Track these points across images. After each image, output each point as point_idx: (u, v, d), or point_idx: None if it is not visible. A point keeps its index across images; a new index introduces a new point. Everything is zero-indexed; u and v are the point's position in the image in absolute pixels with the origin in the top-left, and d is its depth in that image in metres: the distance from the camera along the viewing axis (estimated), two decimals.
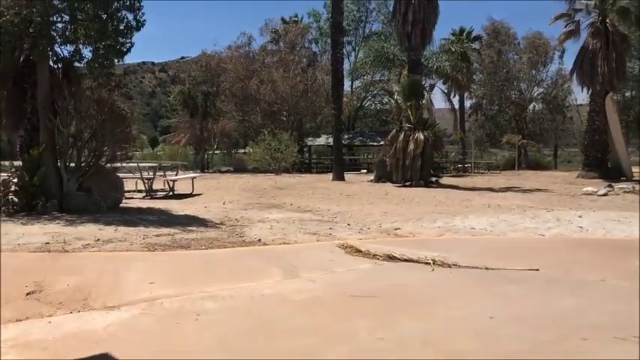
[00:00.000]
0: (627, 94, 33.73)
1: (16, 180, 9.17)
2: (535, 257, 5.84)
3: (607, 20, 22.86)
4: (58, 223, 8.12)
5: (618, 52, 22.76)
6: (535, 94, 39.02)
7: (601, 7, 22.84)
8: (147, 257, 5.93)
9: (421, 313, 3.90)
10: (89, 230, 7.57)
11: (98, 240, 6.85)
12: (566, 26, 24.33)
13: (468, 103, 41.84)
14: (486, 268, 5.19)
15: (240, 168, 31.51)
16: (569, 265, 5.58)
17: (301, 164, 31.58)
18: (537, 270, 5.15)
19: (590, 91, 23.99)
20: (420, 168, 18.23)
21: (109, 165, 10.46)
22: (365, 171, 29.46)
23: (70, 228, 7.74)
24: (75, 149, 9.66)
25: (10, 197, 9.20)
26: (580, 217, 9.55)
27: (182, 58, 59.44)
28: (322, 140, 34.17)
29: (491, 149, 43.80)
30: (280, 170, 27.31)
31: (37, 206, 8.95)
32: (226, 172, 31.70)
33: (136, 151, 41.67)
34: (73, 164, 9.70)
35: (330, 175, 22.99)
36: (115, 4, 9.28)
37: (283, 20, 39.32)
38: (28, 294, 4.24)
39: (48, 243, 6.56)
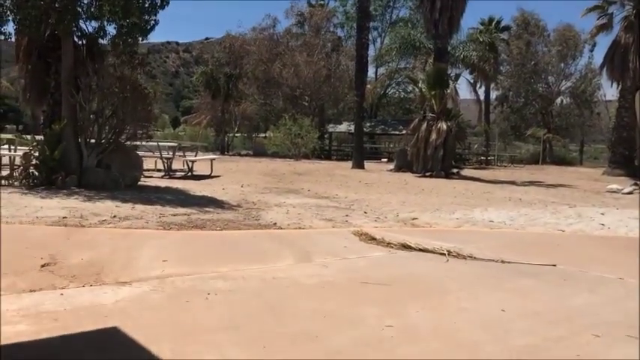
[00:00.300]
0: None
1: (37, 154, 9.28)
2: (553, 253, 5.73)
3: None
4: (77, 199, 8.21)
5: None
6: (563, 88, 38.31)
7: (636, 0, 22.23)
8: (161, 235, 5.95)
9: (432, 303, 3.84)
10: (106, 206, 7.63)
11: (115, 216, 6.90)
12: (598, 19, 23.76)
13: (493, 95, 41.30)
14: (502, 262, 5.10)
15: (259, 152, 31.58)
16: (587, 262, 5.46)
17: (321, 150, 31.51)
18: (554, 265, 5.04)
19: (620, 86, 23.47)
20: (442, 158, 18.05)
21: (129, 143, 10.53)
22: (385, 160, 29.29)
23: (88, 203, 7.81)
24: (96, 125, 9.73)
25: (30, 170, 9.32)
26: (602, 214, 9.36)
27: (206, 39, 59.58)
28: (343, 127, 34.01)
29: (515, 142, 43.19)
30: (300, 156, 27.29)
31: (57, 180, 9.05)
32: (246, 155, 31.82)
33: (157, 130, 42.09)
34: (93, 140, 9.78)
35: (349, 163, 22.90)
36: None
37: (309, 3, 39.06)
38: (42, 266, 4.27)
39: (65, 217, 6.62)
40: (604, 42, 24.35)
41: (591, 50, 35.64)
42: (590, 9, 23.87)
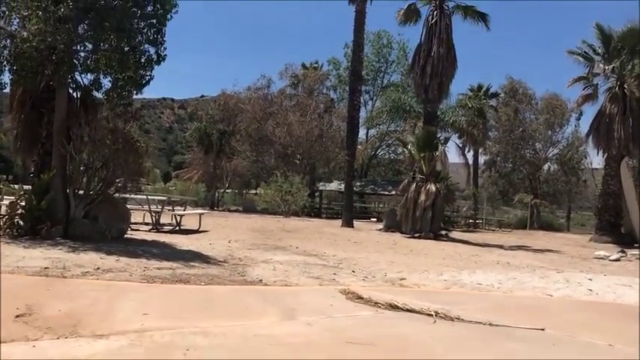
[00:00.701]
0: None
1: (23, 203, 9.19)
2: (541, 317, 5.65)
3: (625, 86, 22.95)
4: (61, 249, 8.08)
5: (635, 118, 22.71)
6: (550, 155, 38.92)
7: (619, 72, 22.97)
8: (144, 289, 5.83)
9: None
10: (90, 258, 7.51)
11: (98, 268, 6.77)
12: (584, 89, 24.45)
13: (482, 159, 41.82)
14: (490, 324, 5.02)
15: (249, 208, 31.51)
16: (575, 327, 5.39)
17: (311, 208, 31.49)
18: (543, 330, 4.96)
19: (606, 155, 23.87)
20: (431, 220, 18.07)
21: (117, 195, 10.48)
22: (375, 219, 29.28)
23: (72, 254, 7.68)
24: (85, 176, 9.70)
25: (16, 220, 9.20)
26: (590, 280, 9.30)
27: (202, 96, 60.56)
28: (334, 186, 34.18)
29: (503, 207, 43.41)
30: (289, 213, 27.23)
31: (42, 231, 8.93)
32: (235, 211, 31.72)
33: (148, 184, 42.00)
34: (82, 191, 9.72)
35: (339, 221, 22.84)
36: (139, 37, 9.48)
37: (304, 66, 40.06)
38: (17, 316, 4.15)
39: (47, 268, 6.49)
40: (590, 111, 25.19)
41: (578, 119, 36.49)
42: (576, 80, 24.60)
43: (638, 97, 23.37)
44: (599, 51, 23.55)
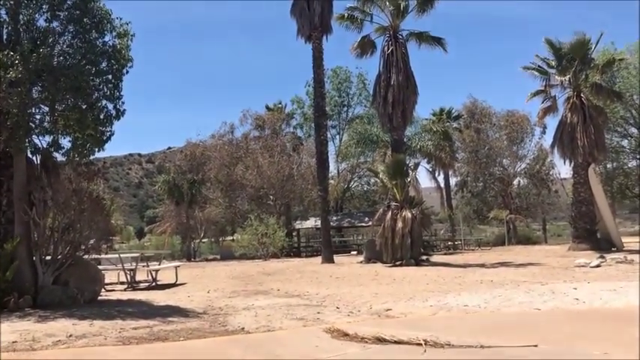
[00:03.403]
0: (609, 165, 34.24)
1: None
2: (532, 332, 5.54)
3: (582, 95, 23.56)
4: (29, 320, 7.68)
5: (596, 125, 23.26)
6: (518, 169, 39.50)
7: (575, 83, 23.59)
8: (118, 351, 5.54)
9: None
10: (62, 326, 7.15)
11: (70, 336, 6.44)
12: (543, 102, 24.98)
13: (453, 181, 42.21)
14: (481, 347, 4.87)
15: (227, 255, 30.99)
16: (568, 339, 5.28)
17: (290, 248, 31.14)
18: (536, 346, 4.84)
19: (573, 163, 24.27)
20: (410, 246, 17.96)
21: (88, 256, 10.12)
22: (355, 252, 29.06)
23: (42, 325, 7.31)
24: (52, 241, 9.36)
25: None
26: (575, 288, 9.28)
27: (169, 148, 60.27)
28: (310, 223, 33.94)
29: (479, 225, 43.68)
30: (268, 255, 26.85)
31: (9, 303, 8.50)
32: (213, 260, 31.16)
33: (123, 242, 41.18)
34: (49, 257, 9.36)
35: (319, 259, 22.57)
36: (95, 94, 9.31)
37: (267, 107, 40.26)
38: None
39: (15, 342, 6.13)
40: (552, 122, 25.72)
41: (543, 132, 37.09)
42: (534, 94, 25.12)
43: (596, 104, 24.03)
44: (553, 64, 24.17)
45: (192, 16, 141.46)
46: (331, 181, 31.48)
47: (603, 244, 22.64)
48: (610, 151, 30.23)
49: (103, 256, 11.86)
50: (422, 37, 21.19)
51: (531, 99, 25.46)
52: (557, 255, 20.89)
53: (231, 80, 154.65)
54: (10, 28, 9.13)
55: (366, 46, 21.79)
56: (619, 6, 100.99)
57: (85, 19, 9.11)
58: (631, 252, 18.93)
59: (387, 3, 20.78)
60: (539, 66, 24.56)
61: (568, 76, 23.51)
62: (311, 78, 25.02)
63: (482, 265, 16.89)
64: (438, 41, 21.23)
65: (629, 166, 34.53)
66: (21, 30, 9.05)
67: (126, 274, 13.22)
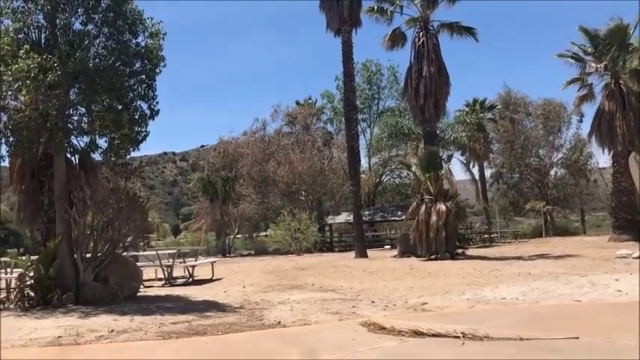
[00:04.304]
0: None
1: (32, 274, 9.06)
2: (573, 325, 5.43)
3: (621, 82, 22.90)
4: (73, 316, 7.91)
5: (636, 112, 22.57)
6: (555, 160, 38.68)
7: (612, 69, 22.94)
8: (159, 345, 5.65)
9: None
10: (103, 321, 7.34)
11: (112, 331, 6.60)
12: (579, 90, 24.37)
13: (488, 173, 41.57)
14: (521, 339, 4.80)
15: (261, 251, 31.26)
16: (610, 332, 5.15)
17: (323, 243, 31.20)
18: (577, 338, 4.74)
19: (612, 152, 23.65)
20: (445, 240, 17.77)
21: (126, 253, 10.35)
22: (389, 247, 28.94)
23: (85, 320, 7.51)
24: (92, 239, 9.59)
25: (26, 292, 9.06)
26: (617, 280, 9.05)
27: (202, 146, 60.99)
28: (342, 218, 33.92)
29: (516, 217, 42.92)
30: (301, 250, 26.96)
31: (53, 299, 8.77)
32: (247, 255, 31.49)
33: (159, 239, 41.97)
34: (90, 254, 9.60)
35: (352, 253, 22.55)
36: (130, 94, 9.49)
37: (297, 103, 40.32)
38: None
39: (60, 337, 6.33)
40: (590, 110, 24.95)
41: (580, 121, 36.18)
42: (570, 81, 24.52)
43: (635, 91, 23.30)
44: (589, 50, 23.56)
45: (222, 14, 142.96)
46: (363, 175, 31.31)
47: None
48: None
49: (140, 253, 12.13)
50: (453, 28, 20.93)
51: (567, 87, 24.90)
52: (597, 246, 20.40)
53: (262, 77, 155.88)
54: (47, 32, 9.36)
55: (396, 39, 21.65)
56: None
57: (118, 22, 9.28)
58: None
59: None
60: (574, 53, 23.96)
61: (605, 63, 22.87)
62: (341, 72, 24.98)
63: (520, 258, 16.60)
64: (469, 31, 20.94)
65: None
66: (58, 34, 9.27)
67: (163, 270, 13.47)
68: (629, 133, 22.17)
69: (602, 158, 35.24)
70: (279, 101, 42.74)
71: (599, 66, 23.14)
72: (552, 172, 39.15)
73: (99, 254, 9.62)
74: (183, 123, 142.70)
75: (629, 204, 23.12)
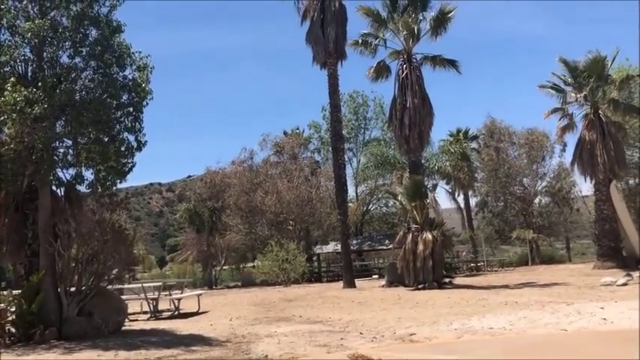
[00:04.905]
0: (631, 181, 33.62)
1: (13, 309, 8.90)
2: (560, 354, 5.45)
3: (600, 112, 23.38)
4: (55, 352, 7.78)
5: (615, 141, 23.01)
6: (539, 188, 39.06)
7: (592, 99, 23.44)
8: None
9: None
10: (87, 357, 7.23)
11: None
12: (560, 119, 24.81)
13: (473, 201, 41.86)
14: None
15: (248, 282, 31.00)
16: None
17: (311, 273, 30.99)
18: None
19: (594, 180, 23.98)
20: (432, 269, 17.78)
21: (111, 287, 10.22)
22: (376, 276, 28.86)
23: (67, 356, 7.40)
24: (76, 272, 9.47)
25: (7, 327, 8.89)
26: (602, 308, 9.11)
27: (189, 176, 60.66)
28: (330, 247, 33.82)
29: (502, 246, 43.09)
30: (289, 281, 26.76)
31: (35, 335, 8.60)
32: (234, 287, 31.19)
33: (144, 272, 41.44)
34: (74, 288, 9.46)
35: (340, 283, 22.45)
36: (117, 126, 9.51)
37: (285, 133, 40.54)
38: None
39: None
40: (572, 139, 25.33)
41: (563, 150, 36.59)
42: (551, 111, 24.97)
43: (614, 120, 23.81)
44: (569, 81, 24.09)
45: (211, 46, 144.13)
46: (350, 205, 31.38)
47: (629, 261, 22.19)
48: (631, 167, 29.75)
49: (126, 285, 11.98)
50: (436, 60, 21.30)
51: (549, 116, 25.33)
52: (582, 274, 20.52)
53: (249, 108, 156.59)
54: (34, 65, 9.40)
55: (381, 71, 21.98)
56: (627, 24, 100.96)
57: (106, 55, 9.36)
58: None
59: (401, 28, 20.93)
60: (554, 84, 24.49)
61: (584, 93, 23.39)
62: (327, 103, 25.25)
63: (506, 287, 16.65)
64: (451, 64, 21.31)
65: None
66: (45, 67, 9.30)
67: (149, 303, 13.30)
68: (609, 161, 22.55)
69: (584, 186, 35.74)
70: (267, 131, 42.96)
71: (579, 96, 23.67)
72: (537, 201, 39.51)
73: (83, 288, 9.50)
74: (169, 153, 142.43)
75: (612, 231, 23.37)
